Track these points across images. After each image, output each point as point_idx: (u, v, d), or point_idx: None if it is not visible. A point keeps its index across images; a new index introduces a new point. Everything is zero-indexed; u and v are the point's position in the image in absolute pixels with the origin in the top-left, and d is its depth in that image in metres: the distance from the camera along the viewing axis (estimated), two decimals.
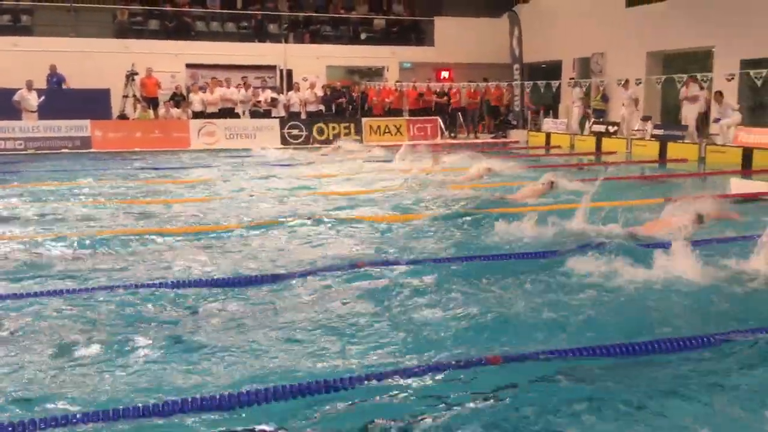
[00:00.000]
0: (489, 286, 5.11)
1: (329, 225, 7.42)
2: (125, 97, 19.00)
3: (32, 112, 17.06)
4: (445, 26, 24.13)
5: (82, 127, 17.25)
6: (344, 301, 4.81)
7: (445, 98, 21.72)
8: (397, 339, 4.15)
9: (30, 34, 20.53)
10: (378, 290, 5.01)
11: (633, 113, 17.84)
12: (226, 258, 6.08)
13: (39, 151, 16.43)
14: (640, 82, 18.00)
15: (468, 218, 7.67)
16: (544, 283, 5.09)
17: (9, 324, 4.33)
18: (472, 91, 22.07)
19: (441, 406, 3.27)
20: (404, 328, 4.31)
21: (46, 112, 16.93)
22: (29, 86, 17.09)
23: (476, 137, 21.39)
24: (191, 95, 19.34)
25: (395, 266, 5.59)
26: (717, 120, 15.45)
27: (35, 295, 4.86)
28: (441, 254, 6.19)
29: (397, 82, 22.21)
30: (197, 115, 18.83)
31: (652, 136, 16.62)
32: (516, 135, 21.09)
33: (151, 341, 4.04)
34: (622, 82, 17.99)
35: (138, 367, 3.70)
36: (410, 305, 4.71)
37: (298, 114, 19.96)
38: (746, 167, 13.43)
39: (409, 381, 3.47)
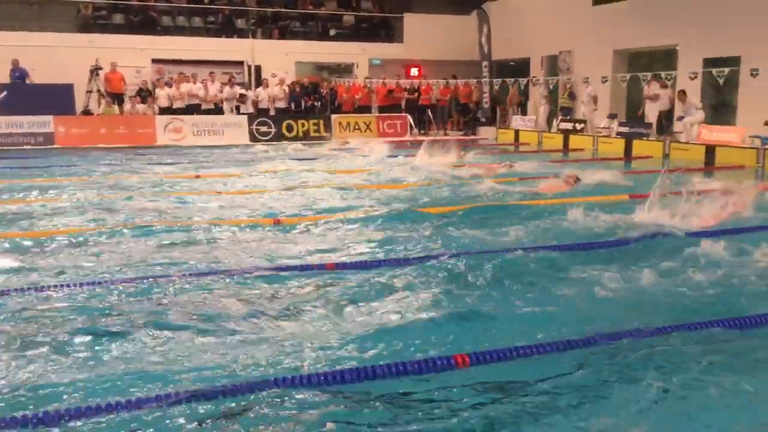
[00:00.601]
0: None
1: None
2: (89, 92, 18.66)
3: None
4: (414, 23, 24.15)
5: (45, 123, 16.89)
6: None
7: (415, 95, 21.74)
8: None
9: None
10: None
11: (593, 111, 18.16)
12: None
13: (1, 148, 16.06)
14: (606, 80, 18.23)
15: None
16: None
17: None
18: (442, 87, 22.13)
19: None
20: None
21: (8, 107, 16.54)
22: None
23: (446, 134, 21.45)
24: (157, 90, 19.08)
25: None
26: (681, 118, 15.72)
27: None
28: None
29: (366, 78, 22.17)
30: (164, 111, 18.57)
31: (618, 133, 16.86)
32: (485, 132, 21.21)
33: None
34: (587, 80, 18.24)
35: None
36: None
37: (267, 110, 19.81)
38: (709, 164, 13.71)
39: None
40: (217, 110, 19.29)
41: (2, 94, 16.66)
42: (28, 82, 18.11)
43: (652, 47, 18.37)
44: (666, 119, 16.37)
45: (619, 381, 3.56)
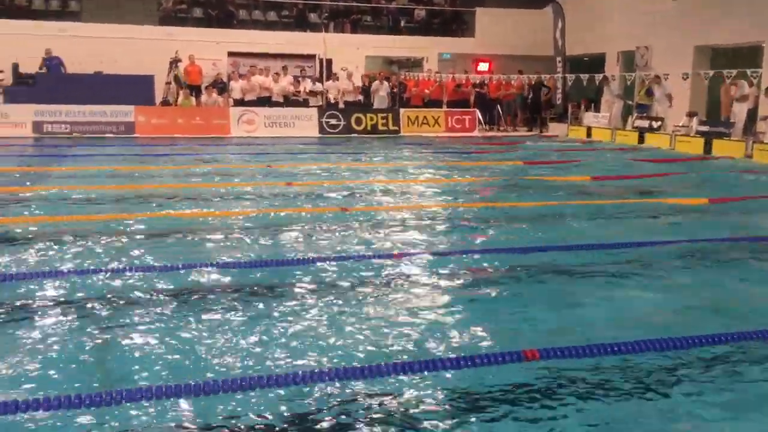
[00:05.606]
0: None
1: None
2: (168, 83, 19.29)
3: None
4: (486, 17, 23.88)
5: (127, 112, 17.55)
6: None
7: (485, 89, 21.49)
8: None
9: (77, 19, 20.95)
10: None
11: (667, 110, 17.52)
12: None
13: (84, 135, 16.77)
14: (687, 77, 17.57)
15: None
16: None
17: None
18: (512, 83, 21.80)
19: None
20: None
21: (89, 96, 17.14)
22: None
23: (515, 129, 21.22)
24: (232, 83, 19.54)
25: None
26: (766, 117, 15.01)
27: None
28: None
29: (436, 72, 22.07)
30: (237, 102, 19.02)
31: (697, 132, 16.25)
32: (556, 128, 20.83)
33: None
34: (663, 77, 17.61)
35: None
36: None
37: (336, 104, 20.00)
38: None
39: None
40: (287, 102, 19.59)
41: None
42: (63, 70, 18.64)
43: (736, 44, 17.59)
44: (750, 119, 15.67)
45: None
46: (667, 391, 3.37)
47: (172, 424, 2.96)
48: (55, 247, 5.85)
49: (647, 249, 6.11)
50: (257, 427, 2.97)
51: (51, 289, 4.69)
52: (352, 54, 21.88)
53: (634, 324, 4.29)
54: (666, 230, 7.15)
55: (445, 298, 4.73)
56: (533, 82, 21.56)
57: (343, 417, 3.04)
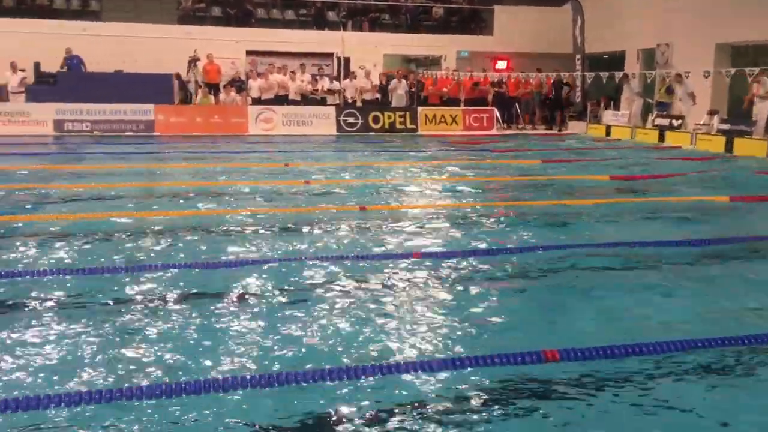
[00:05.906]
0: None
1: None
2: (187, 82, 19.41)
3: (15, 93, 17.59)
4: (505, 15, 23.77)
5: (147, 111, 17.67)
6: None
7: (503, 88, 21.39)
8: None
9: (98, 19, 21.16)
10: None
11: (690, 108, 17.29)
12: None
13: (104, 134, 16.92)
14: (708, 75, 17.37)
15: None
16: None
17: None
18: (531, 81, 21.68)
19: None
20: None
21: (109, 95, 17.28)
22: (14, 68, 17.61)
23: (533, 128, 21.10)
24: (250, 81, 19.62)
25: None
26: None
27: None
28: None
29: (454, 71, 22.00)
30: (255, 101, 19.10)
31: (719, 130, 16.05)
32: (575, 127, 20.69)
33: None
34: (684, 75, 17.39)
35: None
36: None
37: (354, 102, 20.01)
38: None
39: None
40: (305, 101, 19.61)
41: (23, 79, 17.49)
42: (83, 69, 18.76)
43: (757, 41, 17.34)
44: None
45: None
46: (688, 393, 3.33)
47: (178, 423, 2.97)
48: (70, 244, 5.91)
49: (667, 248, 6.05)
50: (264, 425, 2.98)
51: (63, 287, 4.73)
52: (370, 52, 21.88)
53: (653, 324, 4.25)
54: (686, 229, 7.06)
55: (464, 297, 4.71)
56: (553, 81, 21.42)
57: (354, 416, 3.05)
